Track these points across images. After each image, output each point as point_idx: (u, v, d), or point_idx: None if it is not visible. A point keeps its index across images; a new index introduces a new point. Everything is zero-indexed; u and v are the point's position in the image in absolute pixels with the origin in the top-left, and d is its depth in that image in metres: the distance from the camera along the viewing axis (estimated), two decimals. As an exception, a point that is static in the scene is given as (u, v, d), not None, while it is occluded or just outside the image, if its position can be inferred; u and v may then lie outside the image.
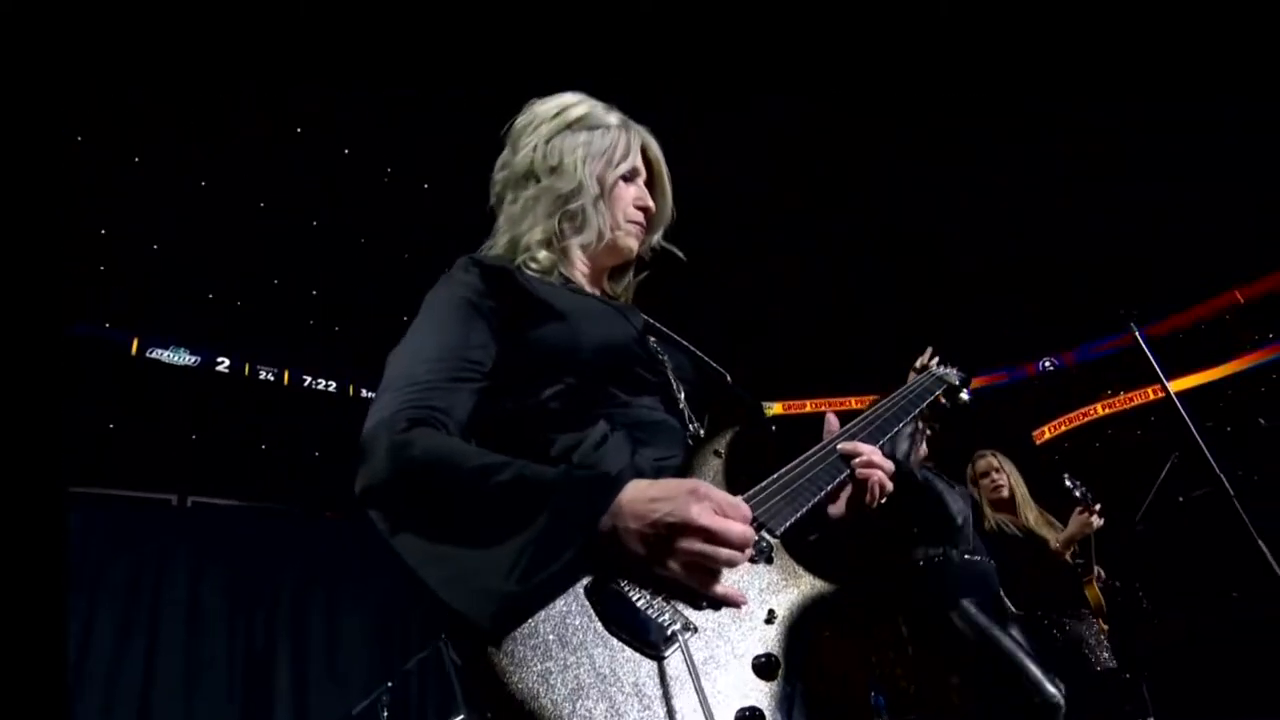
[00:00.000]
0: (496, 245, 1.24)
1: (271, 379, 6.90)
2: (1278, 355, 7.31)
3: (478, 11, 5.18)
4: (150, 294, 6.24)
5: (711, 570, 0.82)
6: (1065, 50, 5.90)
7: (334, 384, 7.12)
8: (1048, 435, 8.31)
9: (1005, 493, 3.67)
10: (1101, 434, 7.97)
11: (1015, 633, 3.14)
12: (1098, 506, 3.41)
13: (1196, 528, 4.27)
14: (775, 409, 9.01)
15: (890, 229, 7.45)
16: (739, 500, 0.86)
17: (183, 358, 6.56)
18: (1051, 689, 2.78)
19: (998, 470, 3.72)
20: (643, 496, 0.82)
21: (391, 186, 6.14)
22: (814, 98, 6.17)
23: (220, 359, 6.74)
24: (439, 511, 0.84)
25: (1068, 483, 3.57)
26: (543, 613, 0.75)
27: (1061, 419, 8.24)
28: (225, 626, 4.99)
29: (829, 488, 1.05)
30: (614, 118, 1.30)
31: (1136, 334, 3.63)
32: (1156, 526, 3.55)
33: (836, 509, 1.15)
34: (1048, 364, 8.52)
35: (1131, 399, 7.86)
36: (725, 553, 0.81)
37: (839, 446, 1.13)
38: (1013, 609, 3.24)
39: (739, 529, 0.82)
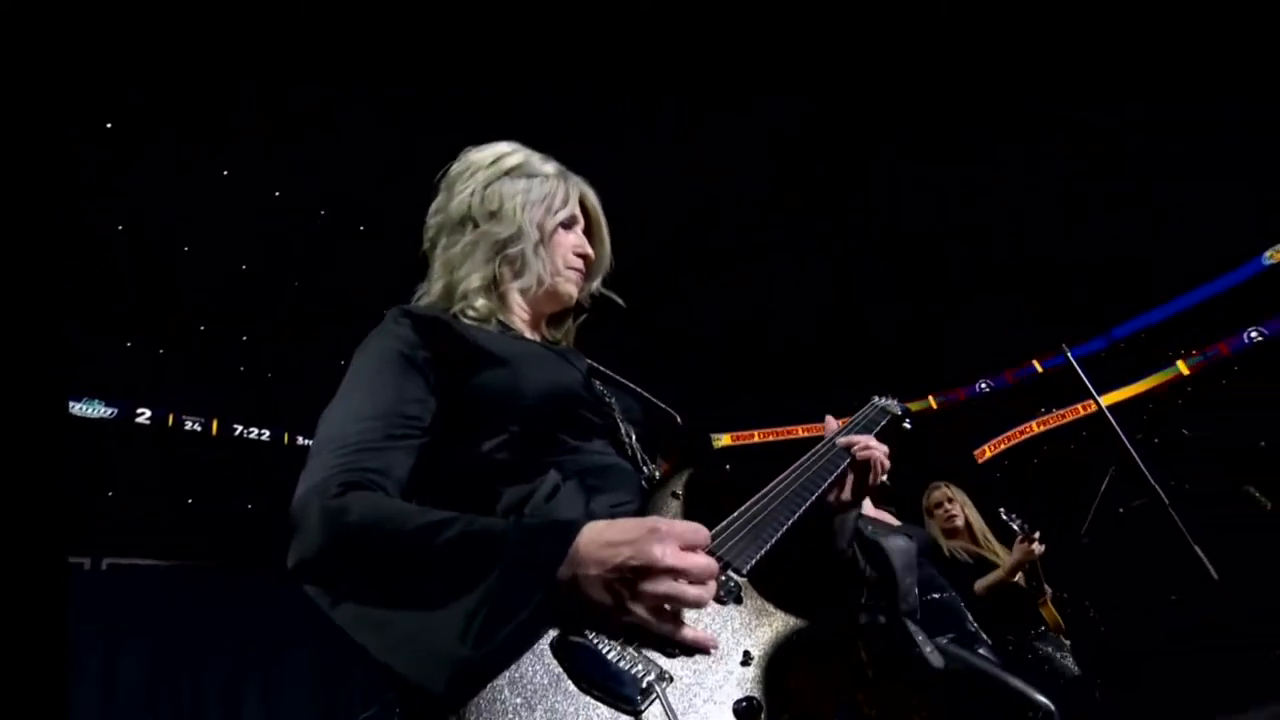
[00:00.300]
0: (431, 292, 1.22)
1: (199, 429, 6.53)
2: (1197, 360, 7.77)
3: (474, 12, 5.12)
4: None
5: (678, 613, 0.79)
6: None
7: (267, 432, 6.78)
8: (989, 454, 8.58)
9: (959, 522, 3.80)
10: (1038, 450, 8.27)
11: (985, 652, 3.16)
12: (1036, 535, 3.52)
13: (1136, 537, 4.42)
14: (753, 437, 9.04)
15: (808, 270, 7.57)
16: (698, 526, 0.83)
17: (98, 410, 6.14)
18: (1042, 697, 2.80)
19: (950, 501, 3.85)
20: (600, 540, 0.78)
21: (324, 228, 5.97)
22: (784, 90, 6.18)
23: (141, 410, 6.34)
24: (381, 578, 0.78)
25: (1004, 517, 3.70)
26: (505, 674, 0.71)
27: (1000, 438, 8.53)
28: (147, 701, 4.59)
29: (793, 519, 1.04)
30: (550, 167, 1.30)
31: (1069, 355, 3.82)
32: (1099, 538, 3.65)
33: (839, 497, 1.21)
34: (983, 385, 8.85)
35: (1064, 416, 8.21)
36: (693, 592, 0.78)
37: (838, 439, 1.23)
38: (983, 636, 3.27)
39: (703, 563, 0.80)
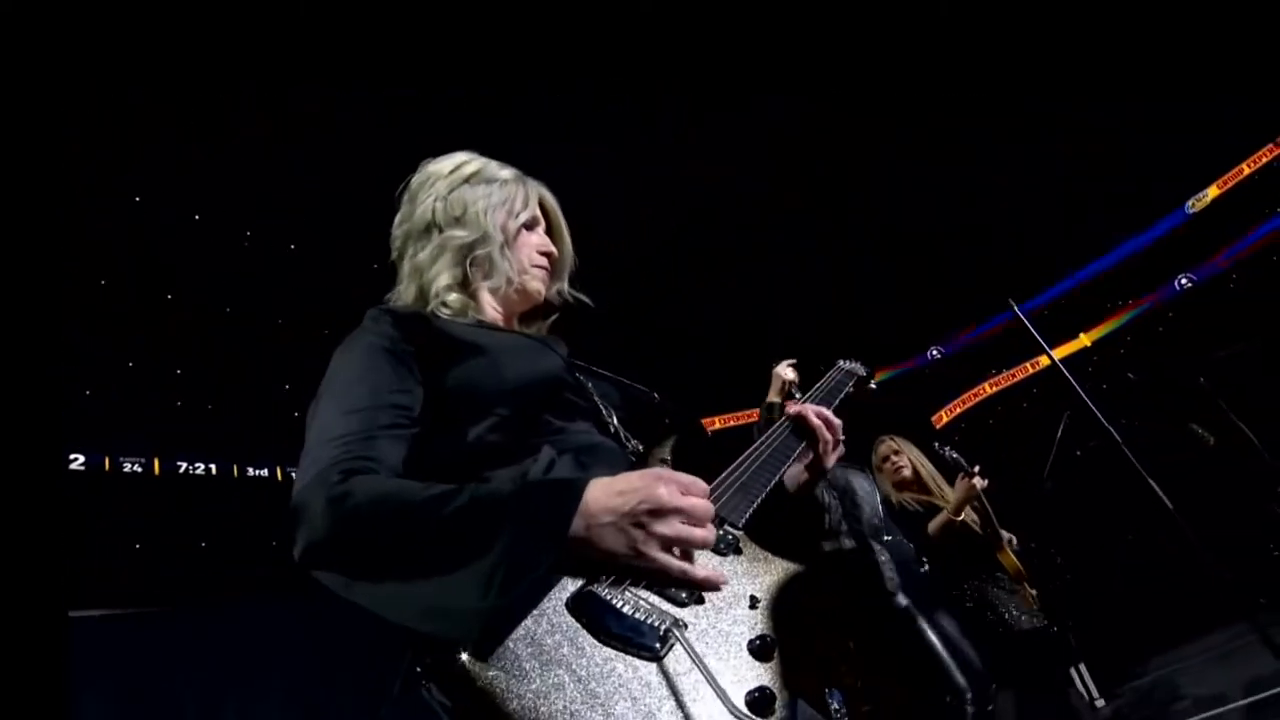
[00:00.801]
0: (403, 296, 1.26)
1: (139, 470, 6.20)
2: (1132, 314, 8.04)
3: (473, 12, 5.05)
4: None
5: (689, 554, 0.84)
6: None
7: (214, 466, 6.49)
8: (945, 419, 8.74)
9: (907, 472, 3.82)
10: (993, 411, 8.46)
11: (943, 615, 3.17)
12: (976, 469, 3.55)
13: (1093, 477, 4.53)
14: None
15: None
16: (695, 478, 0.87)
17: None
18: (960, 679, 2.82)
19: (897, 453, 3.88)
20: (610, 490, 0.82)
21: (253, 248, 5.75)
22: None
23: (74, 456, 5.99)
24: (395, 551, 0.81)
25: (941, 452, 3.73)
26: (527, 634, 0.73)
27: (954, 403, 8.71)
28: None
29: (780, 473, 1.11)
30: (508, 172, 1.35)
31: (1018, 311, 3.87)
32: (1060, 481, 3.72)
33: (796, 475, 1.24)
34: (934, 353, 9.01)
35: (1014, 375, 8.42)
36: (699, 533, 0.83)
37: (790, 410, 1.25)
38: (938, 593, 3.29)
39: (705, 504, 0.85)
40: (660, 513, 0.81)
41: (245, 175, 5.28)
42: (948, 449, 3.80)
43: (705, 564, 0.87)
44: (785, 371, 2.52)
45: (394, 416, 0.97)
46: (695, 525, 0.83)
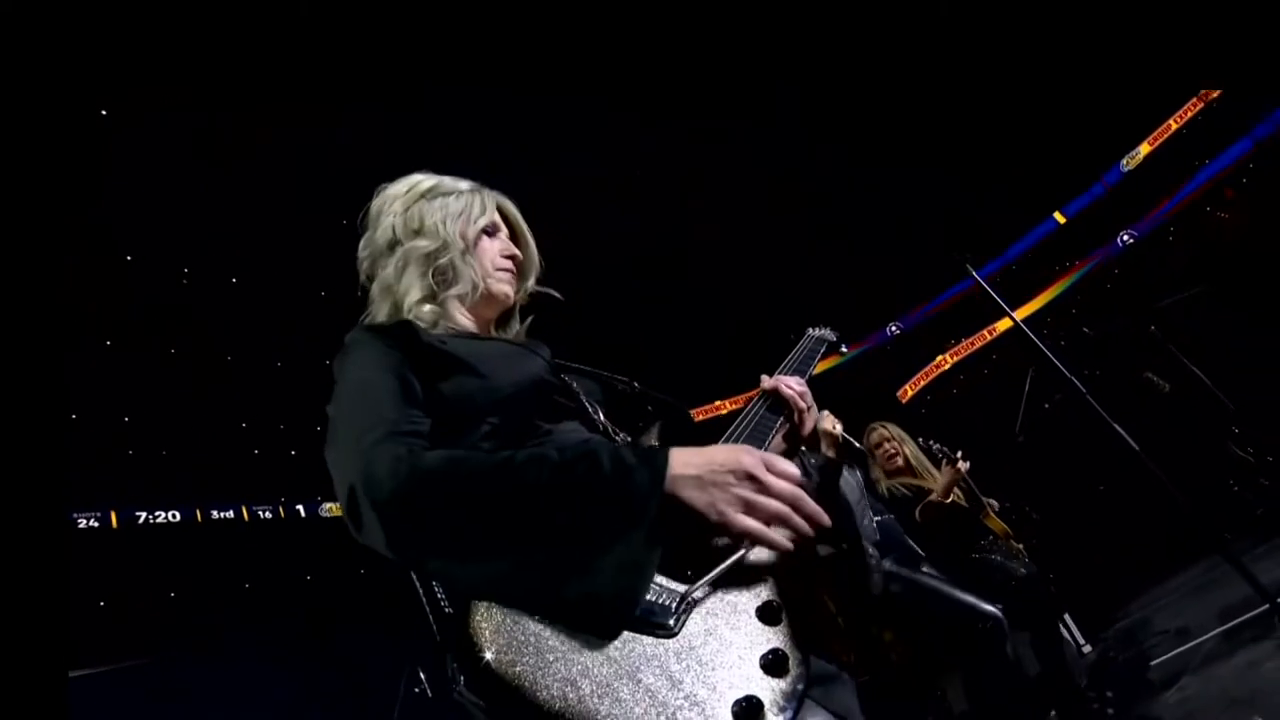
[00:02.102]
0: (378, 314, 1.26)
1: (96, 524, 5.95)
2: (1081, 273, 8.25)
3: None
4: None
5: (763, 518, 0.85)
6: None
7: (175, 513, 6.25)
8: (910, 393, 8.85)
9: (900, 461, 3.90)
10: (955, 380, 8.60)
11: (928, 569, 3.23)
12: (959, 454, 3.64)
13: (1062, 429, 4.62)
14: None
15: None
16: (782, 460, 0.90)
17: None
18: (989, 606, 2.85)
19: (890, 440, 3.96)
20: (689, 454, 0.85)
21: (193, 286, 5.57)
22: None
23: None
24: (490, 520, 0.80)
25: (923, 444, 3.82)
26: (548, 625, 0.75)
27: (917, 376, 8.83)
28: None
29: (764, 446, 1.13)
30: (465, 184, 1.36)
31: (974, 274, 3.92)
32: (1030, 436, 3.81)
33: (777, 447, 1.24)
34: (893, 329, 9.13)
35: (972, 343, 8.57)
36: (775, 504, 0.86)
37: (764, 385, 1.27)
38: (918, 551, 3.35)
39: (785, 486, 0.87)
40: (740, 474, 0.85)
41: (175, 211, 5.12)
42: (932, 442, 3.89)
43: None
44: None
45: (412, 419, 0.97)
46: (774, 498, 0.86)
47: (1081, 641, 4.52)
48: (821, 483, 2.92)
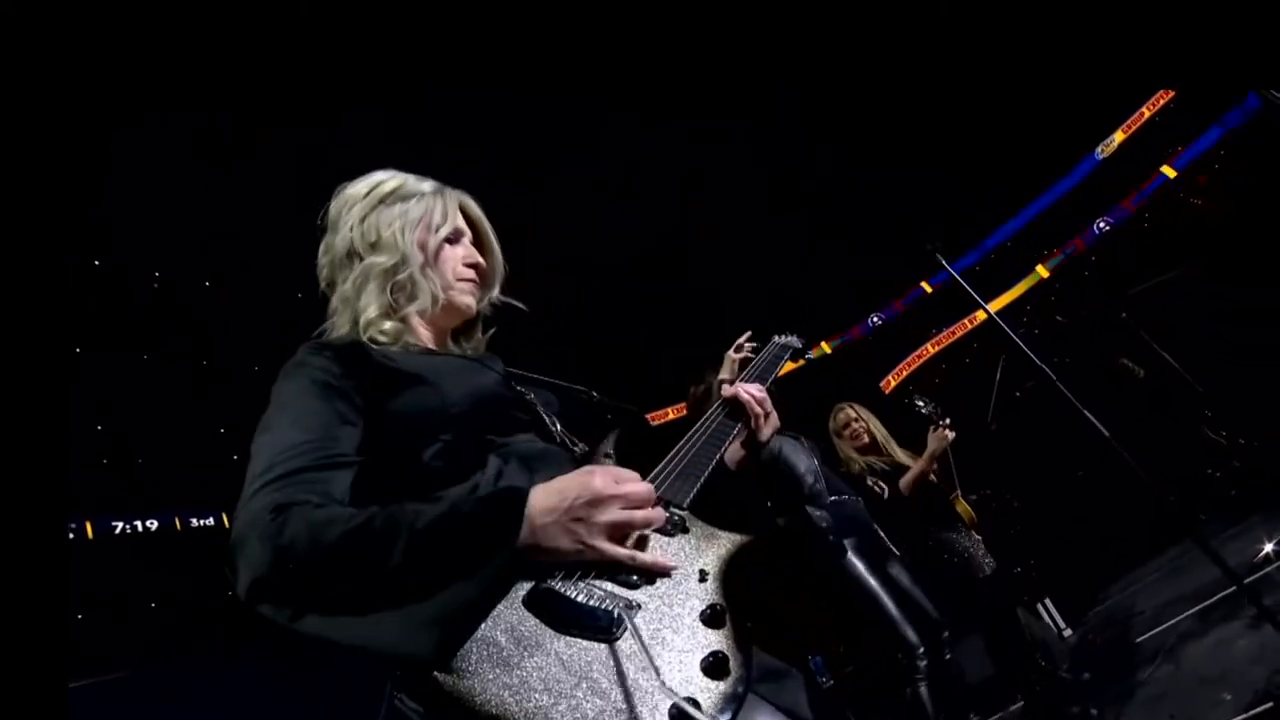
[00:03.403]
0: (338, 327, 1.24)
1: (72, 535, 5.86)
2: (1056, 260, 8.32)
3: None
4: None
5: (640, 541, 0.89)
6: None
7: (153, 521, 6.18)
8: (893, 383, 8.91)
9: (866, 438, 3.89)
10: (937, 369, 8.66)
11: (897, 570, 3.21)
12: (948, 420, 3.62)
13: (1033, 417, 4.66)
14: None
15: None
16: (627, 470, 0.93)
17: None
18: (910, 635, 2.86)
19: (856, 419, 3.94)
20: (549, 491, 0.85)
21: (164, 290, 5.49)
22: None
23: None
24: (340, 579, 0.81)
25: (917, 401, 3.78)
26: (487, 637, 0.77)
27: (901, 366, 8.88)
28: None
29: (720, 452, 1.15)
30: (428, 185, 1.30)
31: (944, 264, 3.93)
32: (1003, 423, 3.82)
33: (734, 452, 1.27)
34: (875, 320, 9.18)
35: (954, 333, 8.63)
36: (640, 514, 0.87)
37: (723, 393, 1.28)
38: (892, 548, 3.33)
39: (642, 488, 0.89)
40: (597, 502, 0.84)
41: (144, 213, 5.04)
42: (926, 400, 3.85)
43: (653, 547, 0.91)
44: (735, 355, 2.58)
45: (336, 449, 0.97)
46: (636, 509, 0.87)
47: (1062, 625, 4.57)
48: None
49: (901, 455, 3.85)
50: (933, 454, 3.61)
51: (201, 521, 6.25)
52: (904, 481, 3.61)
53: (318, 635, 0.80)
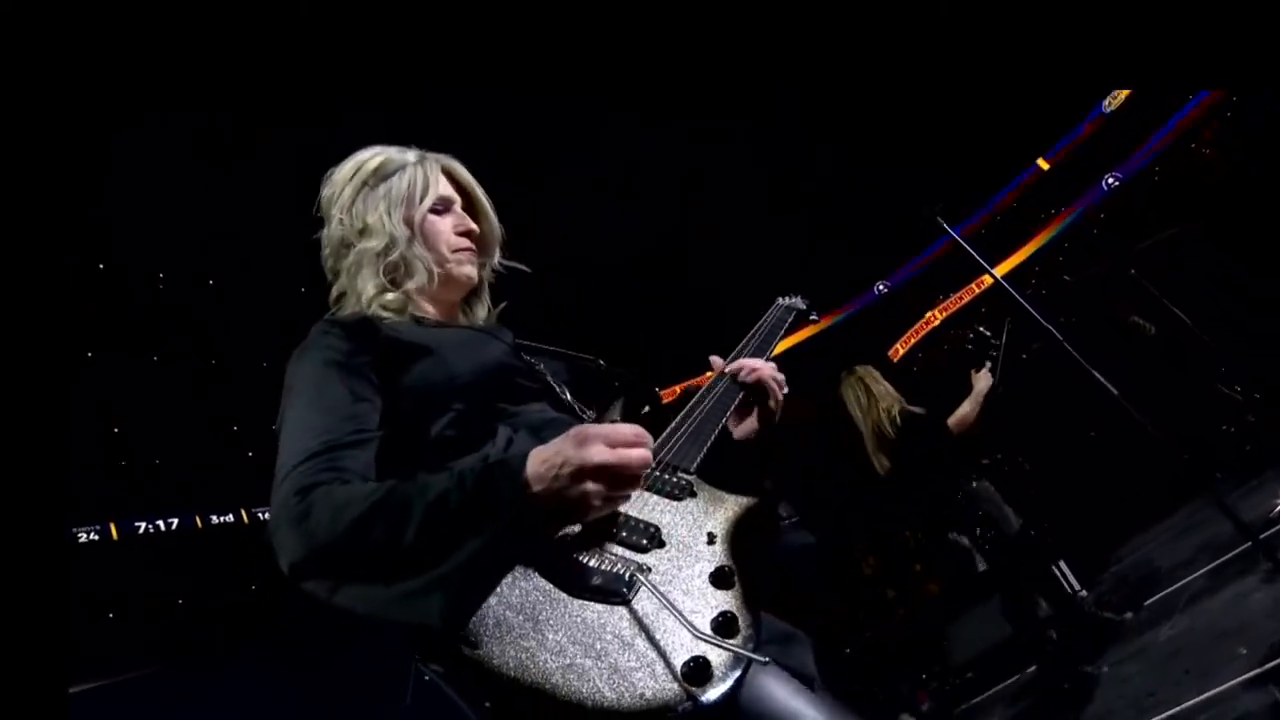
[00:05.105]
0: (345, 307, 1.25)
1: (96, 537, 5.97)
2: (1067, 222, 8.19)
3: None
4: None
5: (627, 495, 0.89)
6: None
7: (175, 520, 6.28)
8: (901, 351, 8.85)
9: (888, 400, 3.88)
10: (945, 336, 8.60)
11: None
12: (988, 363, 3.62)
13: (1042, 379, 4.63)
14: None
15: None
16: (622, 425, 0.90)
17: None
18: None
19: (876, 380, 3.94)
20: (540, 459, 0.85)
21: (169, 290, 5.52)
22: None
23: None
24: (361, 554, 0.84)
25: (973, 333, 3.76)
26: (505, 601, 0.80)
27: (908, 334, 8.82)
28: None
29: (726, 416, 1.16)
30: (411, 155, 1.30)
31: (947, 227, 3.89)
32: (1010, 386, 3.81)
33: (747, 425, 1.25)
34: (880, 288, 9.10)
35: (960, 299, 8.55)
36: (631, 453, 0.86)
37: (726, 369, 1.25)
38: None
39: (627, 427, 0.88)
40: (583, 440, 0.84)
41: (146, 214, 5.06)
42: (973, 333, 3.83)
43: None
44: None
45: (354, 426, 1.00)
46: (623, 446, 0.86)
47: (1077, 587, 4.57)
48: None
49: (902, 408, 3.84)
50: (980, 394, 3.60)
51: (221, 518, 6.35)
52: (953, 420, 3.62)
53: (350, 609, 0.84)
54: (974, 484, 3.71)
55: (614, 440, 0.86)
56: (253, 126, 5.16)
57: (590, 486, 0.84)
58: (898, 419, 3.83)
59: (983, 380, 3.60)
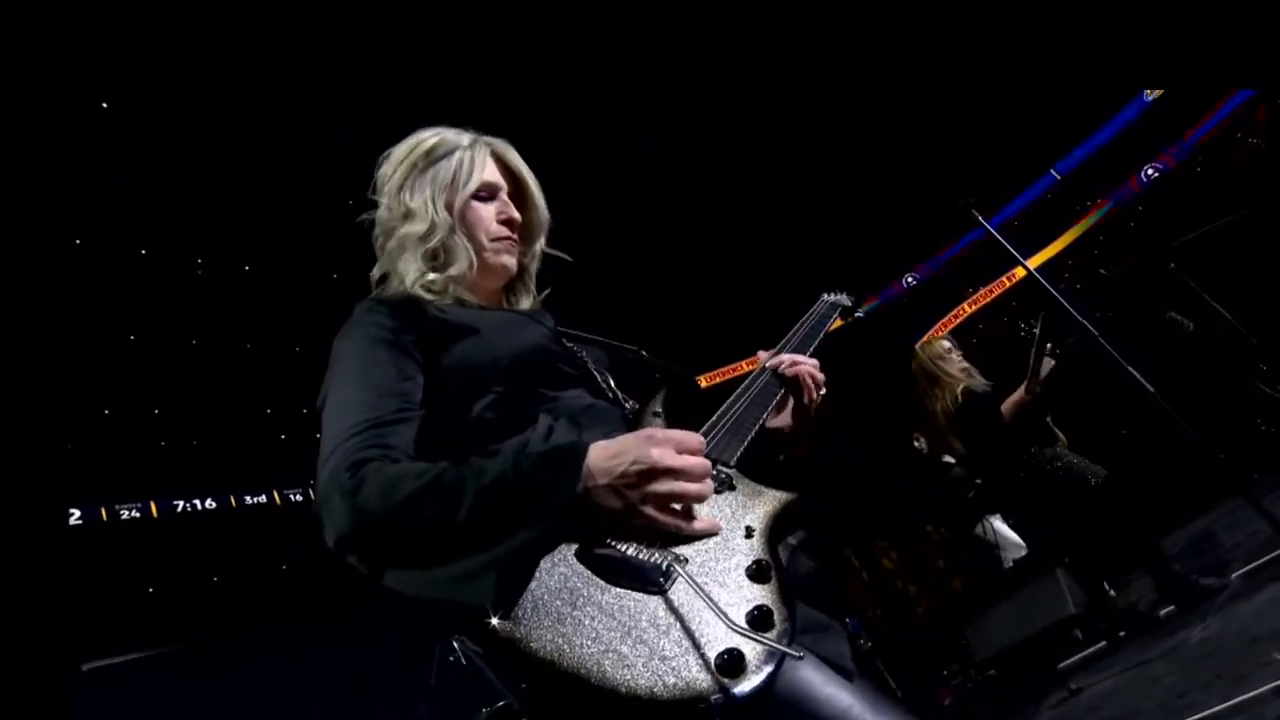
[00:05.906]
0: (389, 287, 1.26)
1: (138, 515, 6.16)
2: (1104, 210, 8.00)
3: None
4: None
5: (686, 509, 0.89)
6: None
7: (211, 501, 6.46)
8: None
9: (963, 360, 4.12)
10: (975, 329, 8.47)
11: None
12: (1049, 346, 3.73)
13: (1075, 373, 4.55)
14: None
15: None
16: (689, 432, 0.92)
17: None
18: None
19: (950, 350, 4.02)
20: (605, 454, 0.86)
21: (207, 276, 5.64)
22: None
23: (71, 511, 5.93)
24: (411, 532, 0.85)
25: (1026, 326, 3.89)
26: (544, 585, 0.81)
27: (937, 325, 8.71)
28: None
29: (767, 411, 1.16)
30: (466, 138, 1.30)
31: (980, 219, 3.83)
32: (1044, 385, 3.76)
33: (781, 419, 1.25)
34: (910, 279, 8.99)
35: (991, 291, 8.41)
36: (694, 487, 0.87)
37: (767, 363, 1.26)
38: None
39: (697, 462, 0.88)
40: (653, 474, 0.85)
41: (180, 202, 5.17)
42: (1026, 324, 3.90)
43: (700, 506, 0.92)
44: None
45: (399, 404, 1.00)
46: (691, 481, 0.87)
47: (1108, 586, 4.50)
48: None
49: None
50: (1044, 380, 3.72)
51: (255, 499, 6.51)
52: (1007, 405, 3.70)
53: (394, 585, 0.85)
54: (1044, 450, 3.78)
55: (684, 446, 0.87)
56: (252, 126, 5.19)
57: (658, 487, 0.85)
58: (959, 397, 3.92)
59: (1050, 366, 3.66)
